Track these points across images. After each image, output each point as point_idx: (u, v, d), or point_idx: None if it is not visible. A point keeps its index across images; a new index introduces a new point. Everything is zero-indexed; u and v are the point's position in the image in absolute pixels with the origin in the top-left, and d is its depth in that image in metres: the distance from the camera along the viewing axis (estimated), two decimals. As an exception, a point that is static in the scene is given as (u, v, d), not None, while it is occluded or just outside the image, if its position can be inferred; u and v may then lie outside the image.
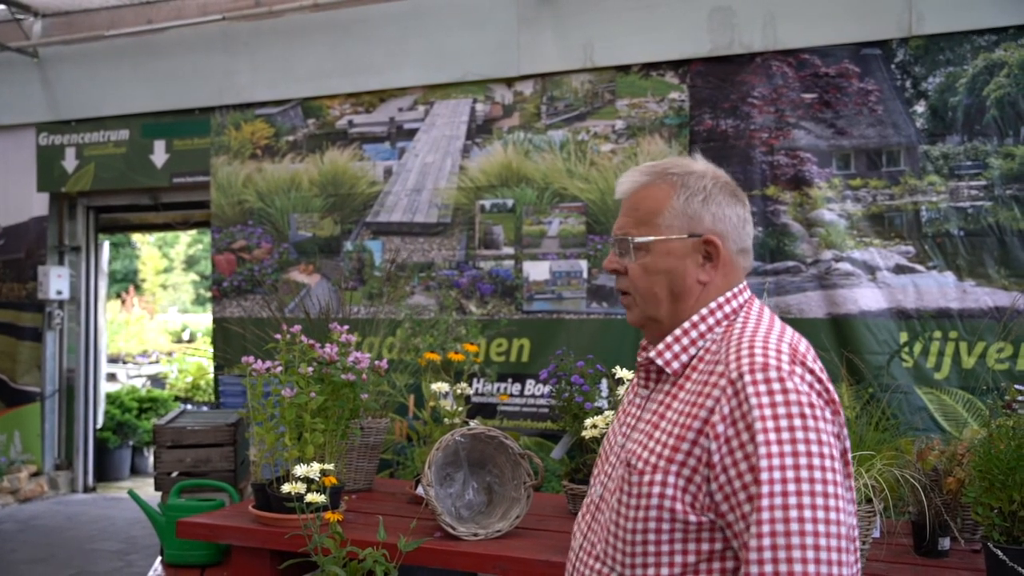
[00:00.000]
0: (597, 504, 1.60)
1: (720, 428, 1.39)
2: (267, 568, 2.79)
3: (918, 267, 4.73)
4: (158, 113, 6.82)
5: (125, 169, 6.97)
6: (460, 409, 3.26)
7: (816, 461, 1.33)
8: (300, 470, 2.37)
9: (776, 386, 1.38)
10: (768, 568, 1.29)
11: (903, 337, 4.71)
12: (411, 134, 5.98)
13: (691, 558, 1.43)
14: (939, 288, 4.68)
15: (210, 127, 6.58)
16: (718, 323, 1.55)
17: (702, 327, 1.55)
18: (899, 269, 4.77)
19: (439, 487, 2.72)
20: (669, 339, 1.55)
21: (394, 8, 6.00)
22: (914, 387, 4.64)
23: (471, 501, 2.81)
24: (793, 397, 1.37)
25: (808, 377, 1.42)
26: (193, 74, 6.62)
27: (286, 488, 2.39)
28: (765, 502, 1.31)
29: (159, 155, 6.84)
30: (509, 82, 5.74)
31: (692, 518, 1.41)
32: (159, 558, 3.39)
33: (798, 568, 1.28)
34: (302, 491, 2.35)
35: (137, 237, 19.59)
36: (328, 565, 2.29)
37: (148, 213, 7.80)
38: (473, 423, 3.20)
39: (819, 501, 1.31)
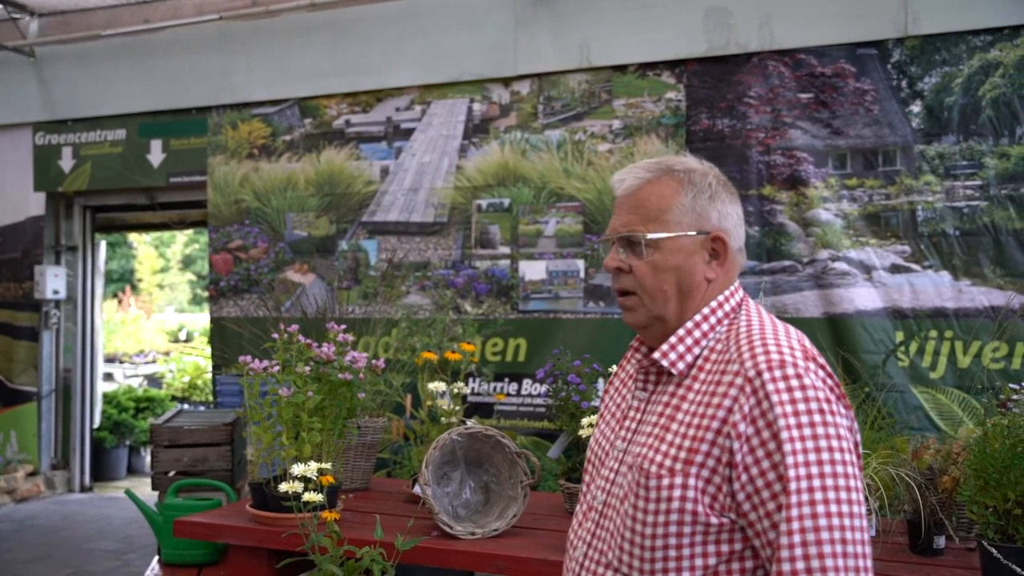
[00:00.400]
0: (600, 511, 1.57)
1: (742, 427, 1.38)
2: (264, 567, 2.79)
3: (914, 267, 4.75)
4: (155, 113, 6.82)
5: (122, 169, 6.97)
6: (457, 408, 3.27)
7: (837, 456, 1.36)
8: (297, 469, 2.37)
9: (795, 383, 1.39)
10: (800, 564, 1.31)
11: (899, 336, 4.72)
12: (408, 134, 5.99)
13: (711, 560, 1.42)
14: (935, 287, 4.69)
15: (207, 127, 6.58)
16: (719, 322, 1.55)
17: (704, 326, 1.54)
18: (895, 269, 4.78)
19: (436, 486, 2.73)
20: (673, 339, 1.53)
21: (391, 8, 6.00)
22: (910, 386, 4.65)
23: (468, 500, 2.81)
24: (811, 393, 1.38)
25: (821, 373, 1.43)
26: (190, 74, 6.62)
27: (283, 487, 2.39)
28: (794, 499, 1.33)
29: (156, 155, 6.84)
30: (506, 82, 5.75)
31: (713, 520, 1.41)
32: (156, 557, 3.39)
33: (829, 563, 1.30)
34: (299, 490, 2.35)
35: (134, 237, 19.56)
36: (325, 564, 2.30)
37: (145, 213, 7.80)
38: (470, 422, 3.20)
39: (843, 495, 1.34)
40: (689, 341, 1.53)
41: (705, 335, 1.53)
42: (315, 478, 2.37)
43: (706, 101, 5.23)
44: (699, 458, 1.41)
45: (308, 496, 2.32)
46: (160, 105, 6.77)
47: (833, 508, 1.32)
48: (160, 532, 3.31)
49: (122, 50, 6.84)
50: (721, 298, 1.56)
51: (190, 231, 17.56)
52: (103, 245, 8.47)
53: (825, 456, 1.35)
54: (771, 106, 5.06)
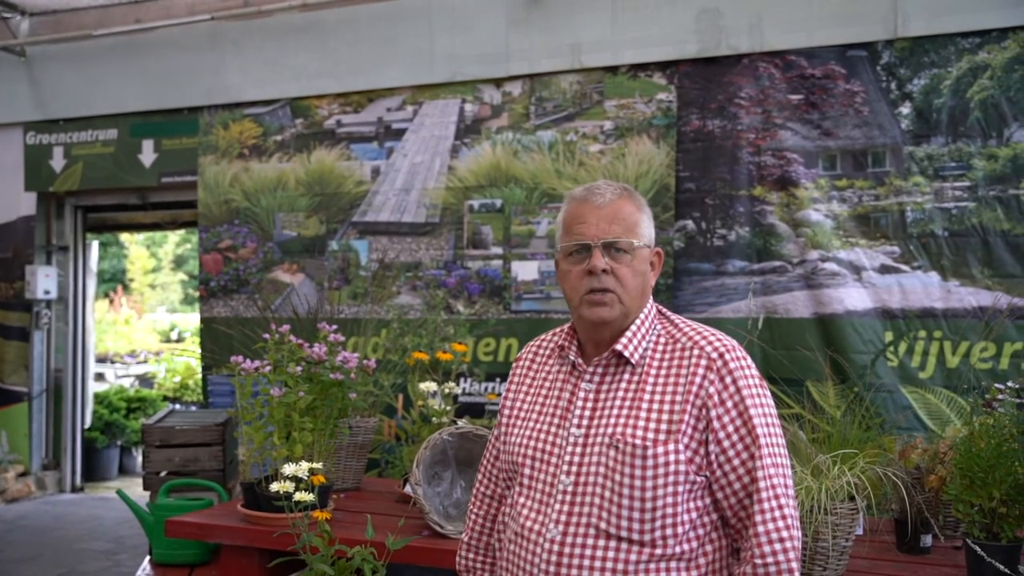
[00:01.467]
0: (571, 491, 1.78)
1: (716, 398, 1.74)
2: (256, 567, 2.80)
3: (903, 267, 4.77)
4: (146, 112, 6.80)
5: (113, 168, 6.95)
6: (448, 408, 3.28)
7: (776, 420, 1.79)
8: (289, 469, 2.38)
9: (744, 363, 1.79)
10: (773, 503, 1.71)
11: (888, 337, 4.75)
12: (399, 134, 5.99)
13: (693, 515, 1.74)
14: (924, 288, 4.72)
15: (198, 126, 6.57)
16: (655, 319, 1.89)
17: (648, 323, 1.87)
18: (884, 269, 4.80)
19: (427, 486, 2.74)
20: (629, 334, 1.84)
21: (383, 8, 6.00)
22: (899, 386, 4.68)
23: (459, 499, 2.83)
24: (755, 371, 1.80)
25: (748, 356, 1.82)
26: (182, 73, 6.60)
27: (275, 487, 2.40)
28: (764, 451, 1.73)
29: (147, 154, 6.83)
30: (498, 83, 5.76)
31: (696, 478, 1.73)
32: (147, 557, 3.40)
33: (783, 500, 1.72)
34: (291, 490, 2.36)
35: (125, 237, 19.47)
36: (316, 563, 2.31)
37: (136, 212, 7.78)
38: (461, 422, 3.22)
39: (783, 451, 1.78)
40: (640, 335, 1.85)
41: (649, 330, 1.87)
42: (306, 478, 2.38)
43: (697, 102, 5.25)
44: (683, 427, 1.73)
45: (299, 496, 2.33)
46: (152, 105, 6.75)
47: (779, 459, 1.75)
48: (151, 532, 3.32)
49: (114, 50, 6.82)
50: (651, 300, 1.92)
51: (182, 231, 17.49)
52: (95, 245, 8.46)
53: (770, 420, 1.77)
54: (761, 107, 5.08)
